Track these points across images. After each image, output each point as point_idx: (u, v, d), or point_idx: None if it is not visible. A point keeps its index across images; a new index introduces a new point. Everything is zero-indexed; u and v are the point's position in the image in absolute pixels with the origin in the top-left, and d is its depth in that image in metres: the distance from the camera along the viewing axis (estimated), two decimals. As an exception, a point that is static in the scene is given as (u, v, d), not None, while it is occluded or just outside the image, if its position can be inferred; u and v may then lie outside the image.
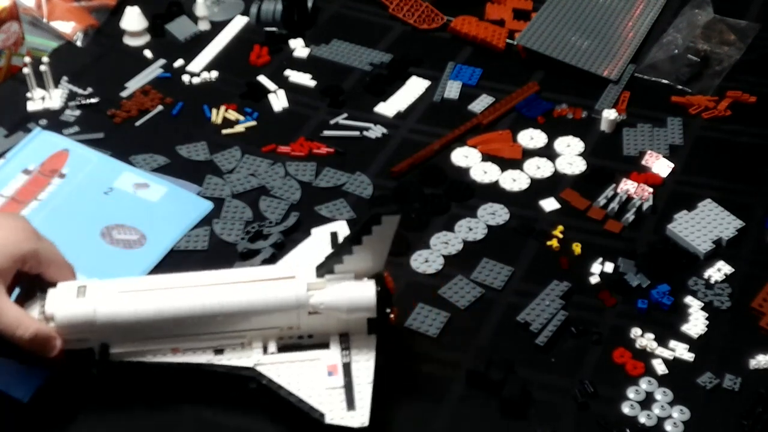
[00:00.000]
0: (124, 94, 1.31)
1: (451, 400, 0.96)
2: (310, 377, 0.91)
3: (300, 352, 0.93)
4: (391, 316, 0.94)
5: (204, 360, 0.93)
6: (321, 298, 0.92)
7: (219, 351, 0.94)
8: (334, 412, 0.89)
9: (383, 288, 0.93)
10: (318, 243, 1.00)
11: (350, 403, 0.89)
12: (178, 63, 1.37)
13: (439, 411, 0.95)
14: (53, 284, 0.93)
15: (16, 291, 0.94)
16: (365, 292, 0.92)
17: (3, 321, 0.89)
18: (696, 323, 1.04)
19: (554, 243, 1.12)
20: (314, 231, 1.03)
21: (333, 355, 0.93)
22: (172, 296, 0.93)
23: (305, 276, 0.93)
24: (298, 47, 1.41)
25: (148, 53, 1.39)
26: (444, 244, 1.12)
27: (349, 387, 0.90)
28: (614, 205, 1.16)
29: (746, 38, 1.43)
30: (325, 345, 0.94)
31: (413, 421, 0.94)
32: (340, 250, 0.91)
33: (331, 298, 0.92)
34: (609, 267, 1.09)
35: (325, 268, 0.93)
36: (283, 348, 0.94)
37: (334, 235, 1.00)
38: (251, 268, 0.96)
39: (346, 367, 0.92)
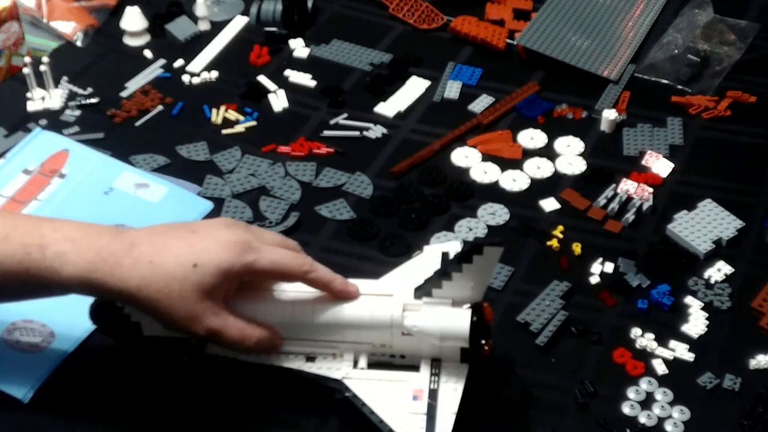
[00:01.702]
0: (124, 94, 1.31)
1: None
2: (394, 399, 0.90)
3: (389, 371, 0.92)
4: (485, 348, 0.92)
5: (295, 366, 0.93)
6: (415, 320, 0.90)
7: (311, 359, 0.93)
8: None
9: (480, 318, 0.91)
10: (427, 262, 0.97)
11: (430, 430, 0.87)
12: (178, 63, 1.37)
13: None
14: None
15: None
16: (460, 320, 0.90)
17: (228, 338, 0.89)
18: (696, 323, 1.04)
19: (554, 243, 1.12)
20: (426, 248, 1.00)
21: (421, 379, 0.91)
22: (272, 299, 0.92)
23: (403, 296, 0.92)
24: (298, 47, 1.41)
25: (148, 53, 1.39)
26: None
27: (431, 414, 0.88)
28: (614, 205, 1.16)
29: (746, 38, 1.43)
30: (415, 367, 0.92)
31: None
32: (439, 274, 0.90)
33: (425, 322, 0.90)
34: (609, 267, 1.09)
35: (423, 291, 0.91)
36: (373, 364, 0.93)
37: (445, 256, 0.96)
38: (352, 280, 0.94)
39: (432, 394, 0.90)
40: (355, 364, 0.92)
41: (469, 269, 0.88)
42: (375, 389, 0.91)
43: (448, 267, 0.89)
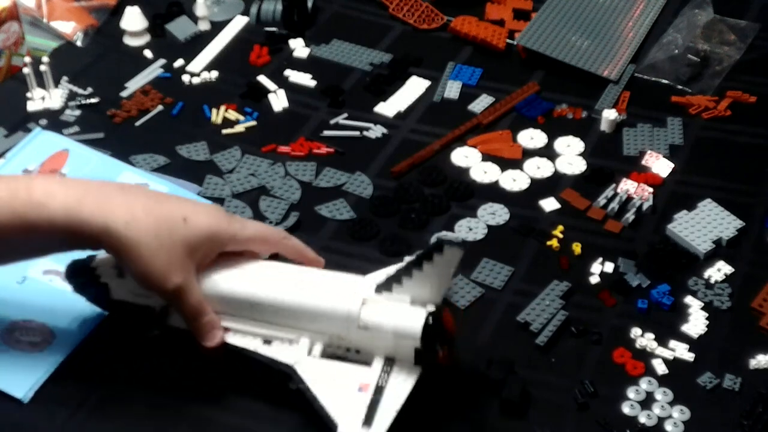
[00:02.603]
0: (124, 94, 1.32)
1: (451, 400, 0.96)
2: (339, 387, 0.90)
3: (341, 362, 0.92)
4: (441, 354, 0.92)
5: (251, 346, 0.93)
6: (371, 314, 0.91)
7: (267, 341, 0.94)
8: (348, 426, 0.87)
9: (437, 323, 0.91)
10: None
11: (368, 420, 0.87)
12: (178, 63, 1.37)
13: (438, 411, 0.95)
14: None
15: None
16: (414, 319, 0.90)
17: (189, 301, 0.91)
18: (696, 323, 1.04)
19: (554, 243, 1.12)
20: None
21: (371, 374, 0.91)
22: (234, 276, 0.94)
23: (363, 290, 0.92)
24: (298, 47, 1.41)
25: (148, 53, 1.39)
26: (444, 244, 1.12)
27: (372, 408, 0.88)
28: (614, 205, 1.16)
29: (746, 38, 1.43)
30: (369, 364, 0.92)
31: (413, 421, 0.94)
32: (401, 272, 0.90)
33: (381, 317, 0.90)
34: (609, 267, 1.09)
35: (384, 287, 0.92)
36: (328, 356, 0.93)
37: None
38: (318, 270, 0.96)
39: (379, 389, 0.90)
40: (309, 352, 0.93)
41: (430, 268, 0.89)
42: (323, 376, 0.91)
43: (411, 265, 0.90)
